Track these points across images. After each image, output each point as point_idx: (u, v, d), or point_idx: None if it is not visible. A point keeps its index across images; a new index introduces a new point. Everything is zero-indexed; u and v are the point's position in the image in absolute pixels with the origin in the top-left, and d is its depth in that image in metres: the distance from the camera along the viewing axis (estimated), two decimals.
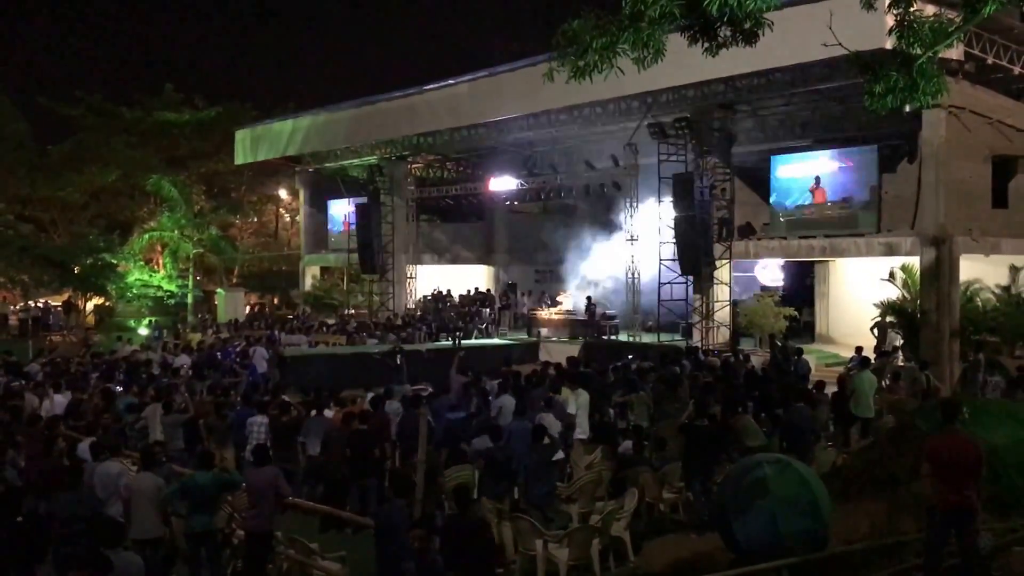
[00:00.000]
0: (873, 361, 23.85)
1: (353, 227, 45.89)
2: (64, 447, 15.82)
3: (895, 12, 10.71)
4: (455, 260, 50.08)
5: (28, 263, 48.69)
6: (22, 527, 10.41)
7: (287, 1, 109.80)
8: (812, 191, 31.89)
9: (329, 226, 52.48)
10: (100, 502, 12.42)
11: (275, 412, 18.16)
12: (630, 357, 26.88)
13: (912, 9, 10.72)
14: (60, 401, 21.14)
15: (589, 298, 36.91)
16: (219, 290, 53.98)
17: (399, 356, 29.13)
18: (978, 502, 9.72)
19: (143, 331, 46.25)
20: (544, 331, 37.94)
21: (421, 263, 47.36)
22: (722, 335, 32.20)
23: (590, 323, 35.94)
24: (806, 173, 32.36)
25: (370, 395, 20.24)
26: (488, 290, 45.63)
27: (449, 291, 45.05)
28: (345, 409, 18.10)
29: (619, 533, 13.18)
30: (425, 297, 45.81)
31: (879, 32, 14.61)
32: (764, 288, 35.49)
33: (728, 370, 23.98)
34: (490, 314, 41.38)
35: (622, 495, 13.82)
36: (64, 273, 49.68)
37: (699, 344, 30.67)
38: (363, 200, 45.86)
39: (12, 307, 54.25)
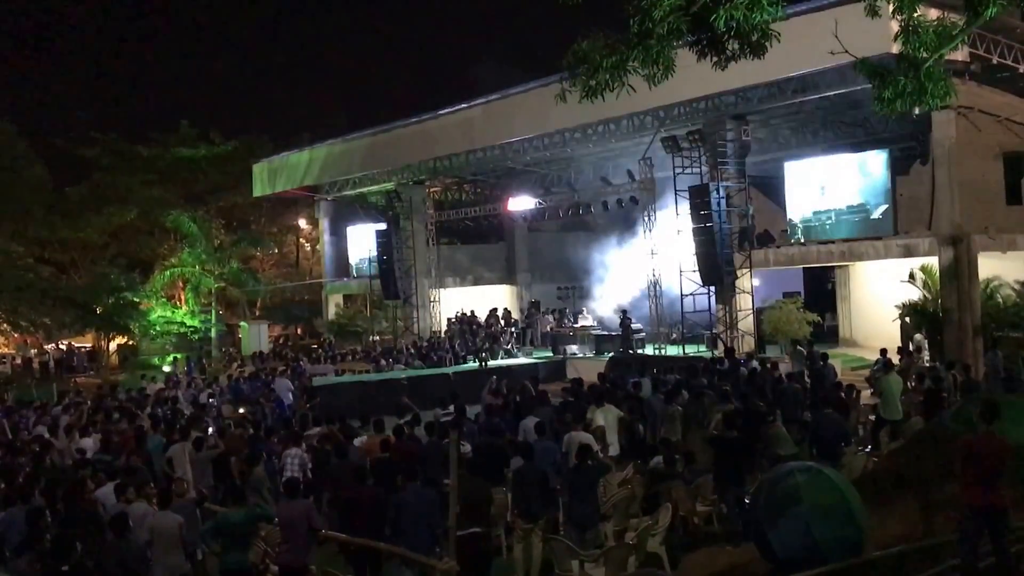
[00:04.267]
0: (898, 363, 23.83)
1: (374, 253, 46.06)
2: (92, 490, 15.64)
3: (899, 18, 10.80)
4: (477, 282, 50.26)
5: (49, 305, 48.70)
6: None
7: (298, 34, 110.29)
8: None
9: (350, 256, 52.75)
10: (145, 550, 12.10)
11: (316, 444, 18.22)
12: (655, 371, 26.88)
13: (916, 14, 10.81)
14: (89, 444, 21.05)
15: (624, 312, 36.73)
16: (242, 323, 54.03)
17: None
18: (1009, 501, 9.76)
19: (167, 368, 46.39)
20: (571, 348, 37.92)
21: (444, 286, 47.48)
22: (747, 343, 32.14)
23: (625, 338, 35.85)
24: (820, 179, 32.42)
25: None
26: (506, 309, 45.45)
27: (473, 312, 45.03)
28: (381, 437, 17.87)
29: (655, 549, 13.11)
30: (450, 319, 45.84)
31: (885, 38, 14.78)
32: (786, 294, 35.49)
33: (753, 378, 23.94)
34: (514, 333, 41.38)
35: (656, 511, 13.76)
36: (86, 314, 49.69)
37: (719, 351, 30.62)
38: (383, 226, 46.03)
39: (34, 350, 54.21)
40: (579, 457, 14.14)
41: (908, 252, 29.22)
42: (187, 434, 19.81)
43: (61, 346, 55.86)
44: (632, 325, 36.09)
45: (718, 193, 31.15)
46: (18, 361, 52.24)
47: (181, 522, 12.39)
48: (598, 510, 14.14)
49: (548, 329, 41.76)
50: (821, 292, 36.85)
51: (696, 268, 32.14)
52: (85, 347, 56.34)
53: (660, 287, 35.27)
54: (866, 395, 22.94)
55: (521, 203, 43.07)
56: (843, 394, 20.59)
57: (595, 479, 14.19)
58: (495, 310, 44.43)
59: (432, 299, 46.78)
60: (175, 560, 12.18)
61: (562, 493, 14.58)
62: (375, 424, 19.00)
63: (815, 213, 32.57)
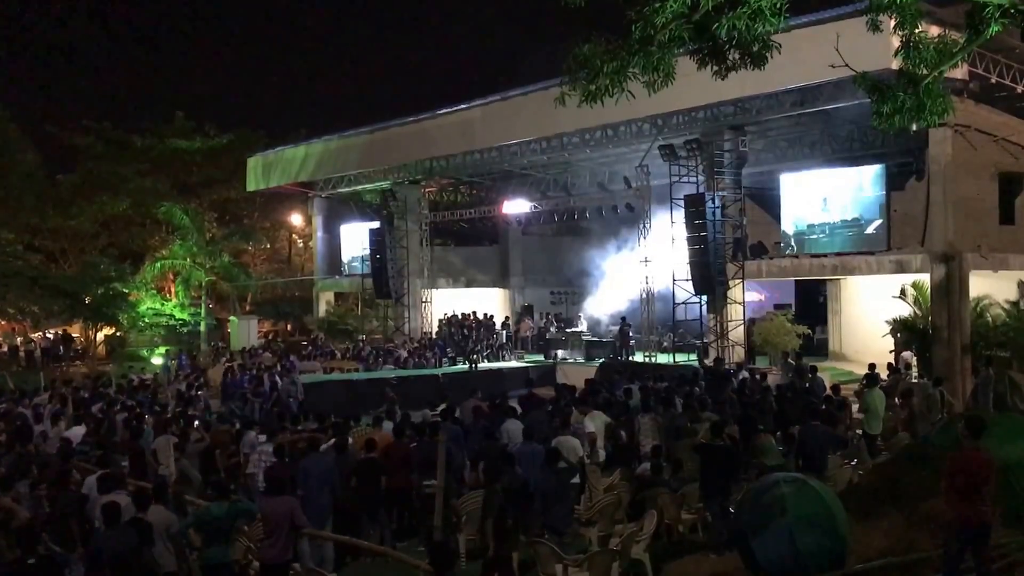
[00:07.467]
0: (886, 379, 23.84)
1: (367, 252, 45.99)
2: (78, 480, 15.49)
3: (900, 33, 10.81)
4: (470, 284, 50.15)
5: (38, 294, 48.31)
6: (35, 569, 10.40)
7: (297, 28, 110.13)
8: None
9: (343, 254, 52.65)
10: (141, 539, 11.66)
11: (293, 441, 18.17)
12: (644, 377, 26.87)
13: (917, 30, 10.82)
14: (78, 433, 20.87)
15: (624, 319, 36.73)
16: (232, 318, 53.83)
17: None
18: (992, 517, 9.80)
19: (156, 360, 46.25)
20: (560, 353, 37.90)
21: (436, 287, 47.40)
22: (737, 354, 32.15)
23: (623, 345, 35.91)
24: (815, 192, 32.40)
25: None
26: (492, 315, 45.51)
27: (464, 314, 44.93)
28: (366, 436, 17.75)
29: (639, 556, 13.13)
30: (441, 320, 45.79)
31: (885, 53, 14.85)
32: (777, 306, 35.52)
33: (743, 388, 23.97)
34: (507, 337, 41.35)
35: (641, 517, 13.78)
36: (75, 303, 49.38)
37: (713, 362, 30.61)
38: (377, 225, 45.97)
39: (20, 339, 53.83)
40: (546, 462, 14.22)
41: (900, 268, 29.21)
42: (168, 427, 19.83)
43: (48, 335, 55.59)
44: (629, 333, 36.14)
45: (713, 203, 31.20)
46: (4, 349, 51.96)
47: (173, 518, 12.30)
48: (571, 513, 14.24)
49: (529, 334, 41.81)
50: (812, 305, 36.83)
51: (689, 277, 32.16)
52: (71, 335, 56.05)
53: (653, 295, 35.31)
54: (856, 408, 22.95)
55: (516, 206, 43.12)
56: (834, 407, 20.58)
57: (565, 482, 14.29)
58: (487, 314, 44.41)
59: (424, 300, 46.67)
60: (165, 555, 11.96)
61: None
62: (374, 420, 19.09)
63: (809, 226, 32.47)
